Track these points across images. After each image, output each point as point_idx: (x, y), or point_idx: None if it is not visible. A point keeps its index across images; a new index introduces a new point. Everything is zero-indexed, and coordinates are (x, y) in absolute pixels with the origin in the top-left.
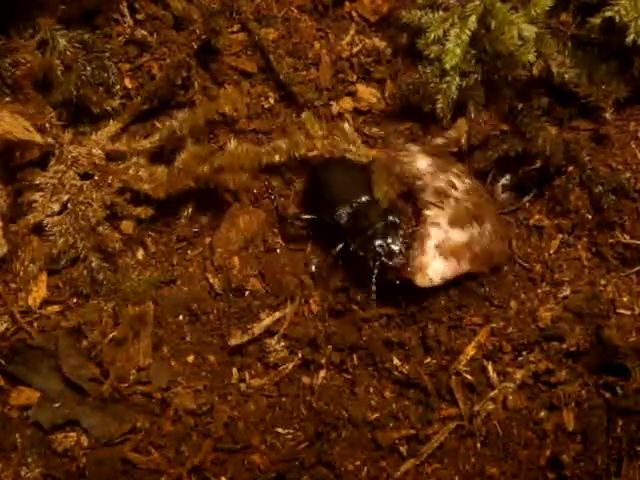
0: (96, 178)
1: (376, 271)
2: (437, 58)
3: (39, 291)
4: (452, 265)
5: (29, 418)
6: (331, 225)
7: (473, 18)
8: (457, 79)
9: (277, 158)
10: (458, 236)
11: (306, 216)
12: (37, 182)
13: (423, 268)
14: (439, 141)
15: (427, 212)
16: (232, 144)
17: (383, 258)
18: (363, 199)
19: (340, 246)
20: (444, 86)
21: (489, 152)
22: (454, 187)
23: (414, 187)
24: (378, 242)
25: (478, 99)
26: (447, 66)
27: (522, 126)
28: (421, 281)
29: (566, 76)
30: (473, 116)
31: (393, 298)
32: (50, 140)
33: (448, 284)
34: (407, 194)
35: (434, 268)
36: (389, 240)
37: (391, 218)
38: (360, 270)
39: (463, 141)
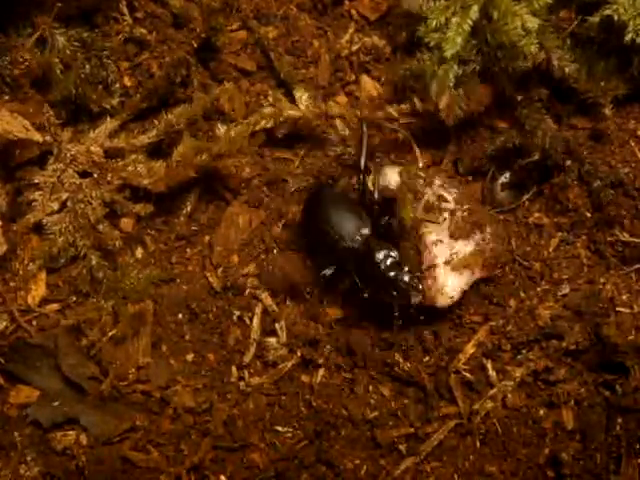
0: (95, 176)
1: (397, 314)
2: (437, 46)
3: (38, 290)
4: (466, 276)
5: (28, 416)
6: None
7: (475, 8)
8: (455, 67)
9: (263, 124)
10: (465, 247)
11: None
12: (36, 181)
13: (441, 290)
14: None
15: (424, 230)
16: (222, 128)
17: (401, 300)
18: (364, 232)
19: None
20: (441, 72)
21: (486, 145)
22: (444, 200)
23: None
24: (392, 290)
25: (474, 90)
26: (447, 54)
27: (521, 118)
28: (442, 303)
29: (567, 69)
30: (466, 107)
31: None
32: (49, 139)
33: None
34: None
35: (450, 285)
36: (400, 281)
37: (392, 254)
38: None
39: (445, 113)
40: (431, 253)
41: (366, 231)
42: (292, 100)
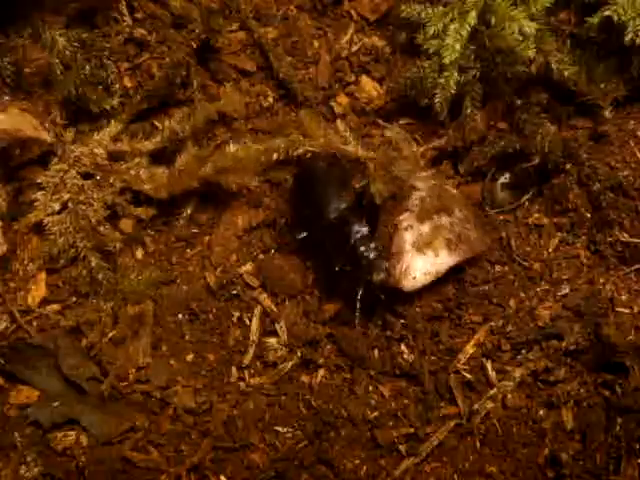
0: (98, 178)
1: (360, 292)
2: (436, 53)
3: (38, 290)
4: (431, 258)
5: (28, 417)
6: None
7: (473, 14)
8: (456, 74)
9: (275, 157)
10: (427, 228)
11: (300, 236)
12: (39, 181)
13: (405, 272)
14: (436, 143)
15: (400, 218)
16: (232, 147)
17: (366, 276)
18: (342, 206)
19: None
20: (442, 81)
21: (486, 149)
22: (418, 189)
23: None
24: (360, 262)
25: (476, 95)
26: (446, 61)
27: (520, 123)
28: (408, 285)
29: (566, 73)
30: (470, 112)
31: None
32: (52, 139)
33: (440, 280)
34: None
35: (414, 267)
36: (367, 255)
37: (362, 229)
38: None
39: (460, 143)
40: (401, 238)
41: (343, 205)
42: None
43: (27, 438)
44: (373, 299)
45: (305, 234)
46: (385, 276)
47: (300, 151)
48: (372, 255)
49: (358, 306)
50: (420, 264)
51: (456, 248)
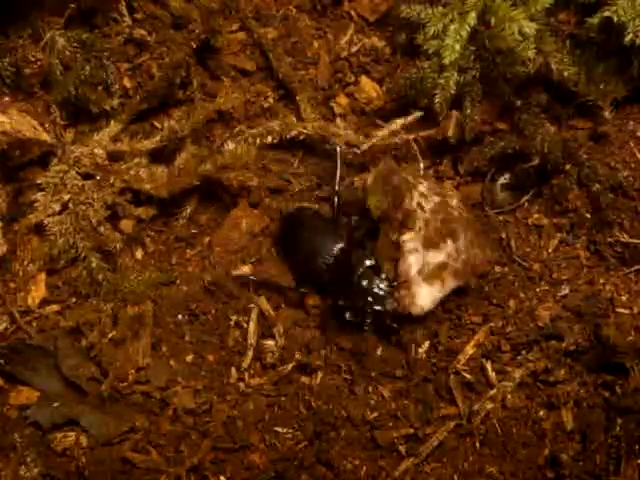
0: (98, 178)
1: (369, 321)
2: (436, 53)
3: (38, 291)
4: (437, 287)
5: (28, 418)
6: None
7: (473, 14)
8: (455, 75)
9: (269, 139)
10: (435, 258)
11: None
12: (39, 182)
13: (413, 299)
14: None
15: (404, 238)
16: (231, 144)
17: (375, 307)
18: (336, 248)
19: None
20: (442, 81)
21: (486, 149)
22: (422, 208)
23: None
24: (366, 295)
25: (475, 95)
26: (446, 61)
27: (520, 123)
28: (415, 312)
29: (565, 73)
30: (469, 112)
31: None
32: (52, 139)
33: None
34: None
35: (422, 295)
36: (374, 287)
37: (368, 262)
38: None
39: (450, 132)
40: (406, 262)
41: (341, 244)
42: (296, 110)
43: (27, 439)
44: (382, 326)
45: (306, 289)
46: (394, 305)
47: (293, 133)
48: (382, 286)
49: (368, 333)
50: (426, 292)
51: (462, 275)
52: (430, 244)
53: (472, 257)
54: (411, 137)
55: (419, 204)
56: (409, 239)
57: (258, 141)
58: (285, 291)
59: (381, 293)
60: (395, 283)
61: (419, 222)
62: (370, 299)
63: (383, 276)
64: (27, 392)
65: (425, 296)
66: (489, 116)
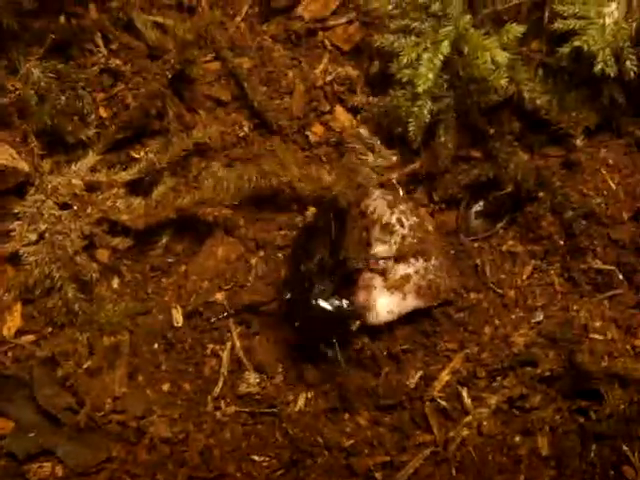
0: (75, 208)
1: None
2: (409, 82)
3: (14, 320)
4: (397, 299)
5: (3, 448)
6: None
7: (446, 43)
8: (429, 103)
9: (247, 186)
10: (402, 270)
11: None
12: (15, 211)
13: (371, 306)
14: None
15: (376, 250)
16: (208, 179)
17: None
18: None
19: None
20: (416, 110)
21: (460, 177)
22: (401, 224)
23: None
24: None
25: (449, 124)
26: (419, 90)
27: (494, 151)
28: (370, 319)
29: (537, 102)
30: (443, 140)
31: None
32: (30, 169)
33: (401, 320)
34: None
35: (380, 303)
36: (336, 309)
37: (323, 286)
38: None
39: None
40: (374, 269)
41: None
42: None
43: (2, 470)
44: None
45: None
46: (359, 322)
47: (274, 182)
48: (344, 306)
49: (339, 356)
50: (385, 302)
51: (424, 295)
52: (401, 257)
53: (438, 280)
54: (395, 176)
55: (399, 220)
56: (381, 252)
57: (235, 187)
58: (262, 317)
59: (345, 311)
60: (353, 299)
61: (396, 236)
62: (337, 323)
63: (344, 300)
64: (2, 422)
65: (384, 305)
66: (463, 144)
